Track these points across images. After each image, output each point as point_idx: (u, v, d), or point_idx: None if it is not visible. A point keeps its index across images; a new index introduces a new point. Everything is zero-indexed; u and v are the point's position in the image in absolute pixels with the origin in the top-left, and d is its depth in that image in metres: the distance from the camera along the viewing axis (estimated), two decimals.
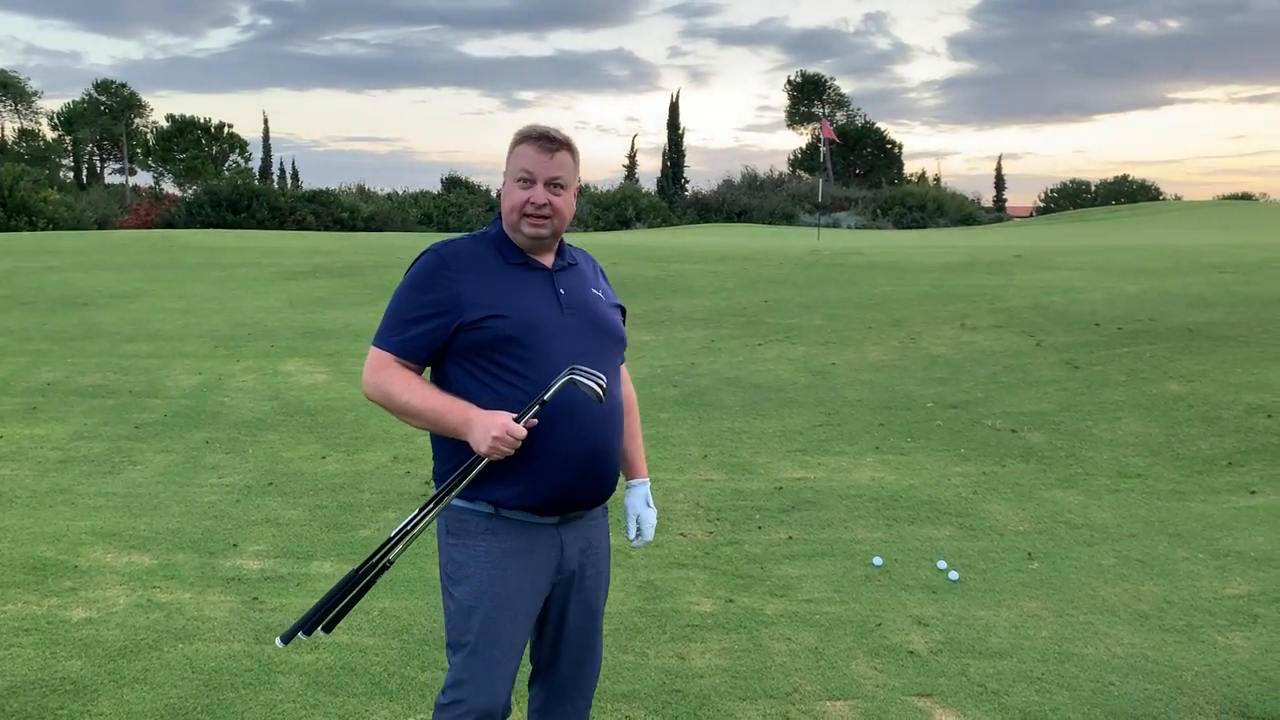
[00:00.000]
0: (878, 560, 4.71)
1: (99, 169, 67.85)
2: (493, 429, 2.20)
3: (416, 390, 2.31)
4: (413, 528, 2.31)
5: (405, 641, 3.82)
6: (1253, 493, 5.60)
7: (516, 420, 2.21)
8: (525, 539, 2.35)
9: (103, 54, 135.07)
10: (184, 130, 58.85)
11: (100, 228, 38.03)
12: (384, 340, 2.37)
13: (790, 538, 5.05)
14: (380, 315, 2.43)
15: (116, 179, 64.82)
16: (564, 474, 2.32)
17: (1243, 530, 5.02)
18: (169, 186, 56.22)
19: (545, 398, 2.24)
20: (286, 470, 6.21)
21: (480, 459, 2.25)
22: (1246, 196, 57.08)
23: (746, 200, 50.69)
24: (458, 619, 2.38)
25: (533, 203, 2.34)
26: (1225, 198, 54.96)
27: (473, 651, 2.35)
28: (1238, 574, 4.49)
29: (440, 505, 2.30)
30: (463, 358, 2.33)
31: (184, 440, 6.91)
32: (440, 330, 2.31)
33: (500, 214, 2.43)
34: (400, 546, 2.32)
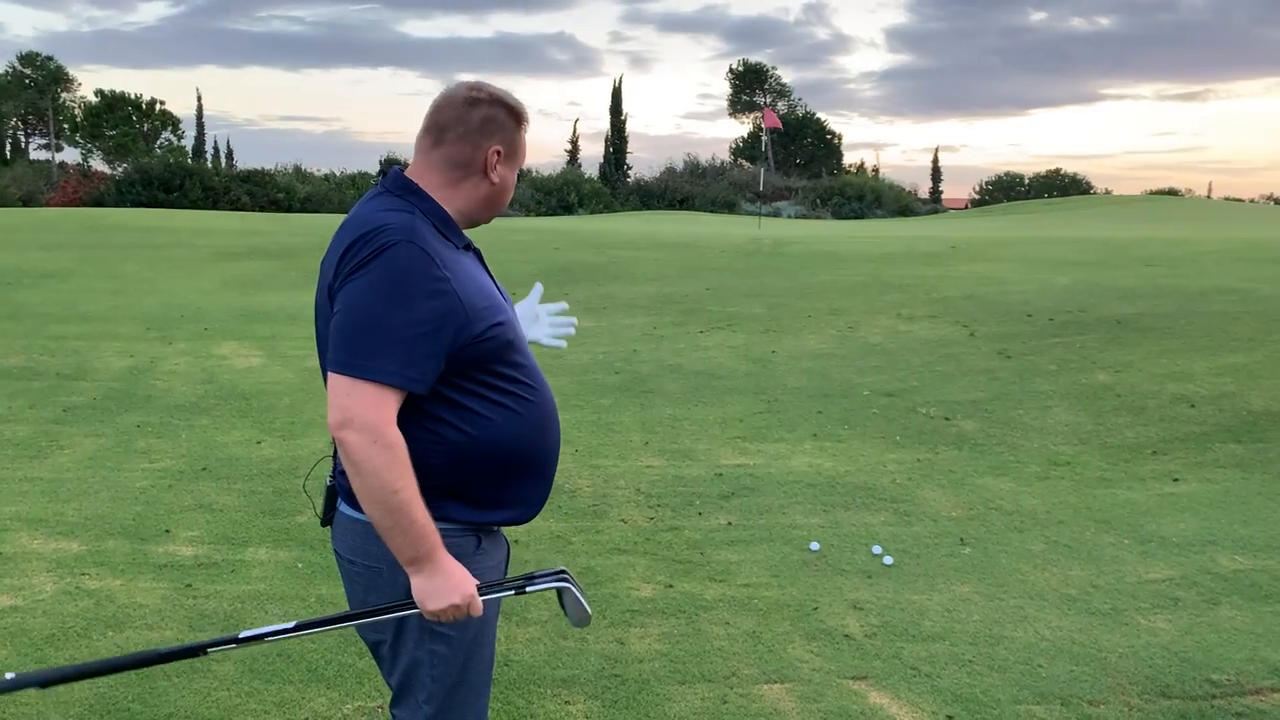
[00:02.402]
0: (814, 545, 4.78)
1: (24, 144, 65.80)
2: (457, 595, 1.83)
3: (415, 485, 1.80)
4: (267, 637, 1.89)
5: (343, 628, 3.78)
6: (1175, 480, 5.77)
7: (480, 594, 1.88)
8: (499, 548, 2.09)
9: (26, 25, 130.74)
10: (114, 106, 57.22)
11: (25, 204, 36.92)
12: (387, 371, 1.78)
13: (729, 523, 5.10)
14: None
15: (43, 155, 62.93)
16: (551, 479, 2.08)
17: (1166, 516, 5.18)
18: (98, 163, 54.68)
19: (528, 589, 1.94)
20: (221, 455, 6.11)
21: (410, 604, 1.86)
22: (1173, 192, 58.67)
23: (689, 188, 50.82)
24: (453, 664, 1.99)
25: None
26: (1153, 193, 56.36)
27: (479, 692, 2.05)
28: (1160, 559, 4.63)
29: (352, 622, 1.90)
30: (458, 375, 1.88)
31: (114, 424, 6.76)
32: (448, 349, 1.84)
33: (425, 184, 1.97)
34: (234, 647, 1.90)
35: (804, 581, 4.39)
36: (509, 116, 1.98)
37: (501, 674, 3.47)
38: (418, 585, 1.83)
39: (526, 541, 4.77)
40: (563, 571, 1.98)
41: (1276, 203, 58.35)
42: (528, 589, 1.94)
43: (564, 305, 2.62)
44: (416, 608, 1.85)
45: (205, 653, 1.89)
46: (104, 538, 4.73)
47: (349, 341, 1.78)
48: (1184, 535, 4.91)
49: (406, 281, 1.78)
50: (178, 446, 6.29)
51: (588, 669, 3.56)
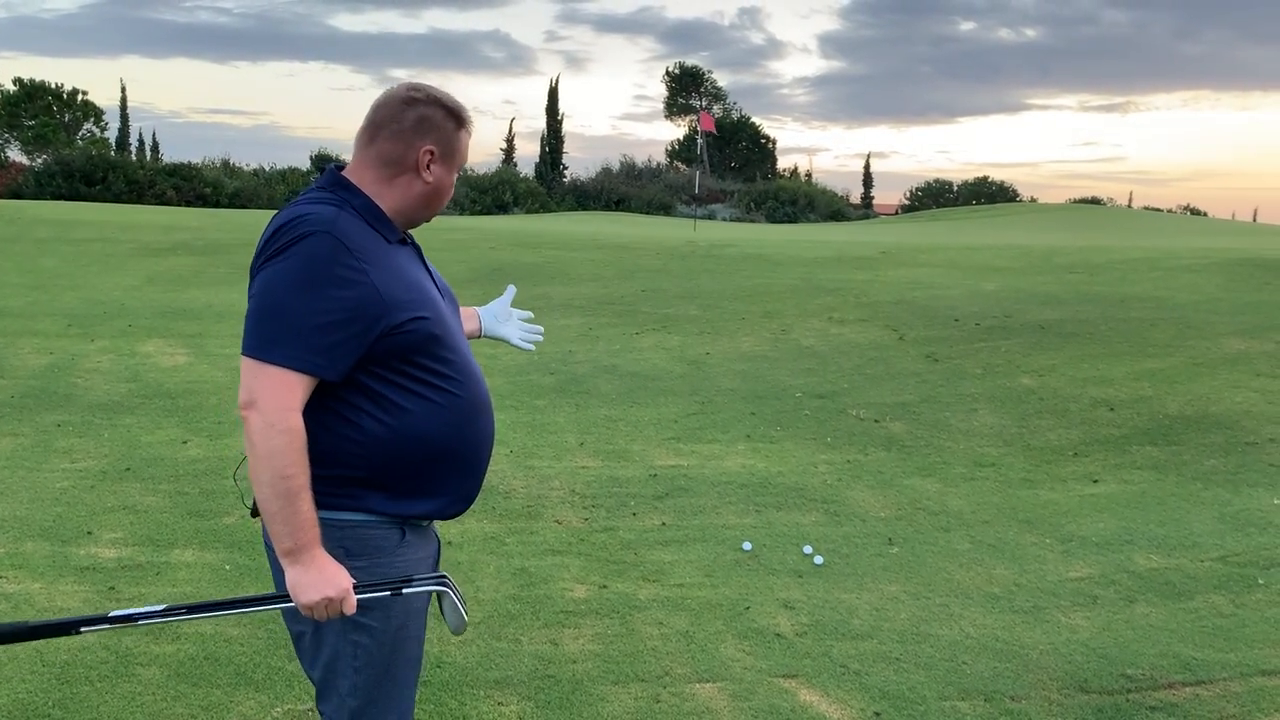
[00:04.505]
0: (747, 545, 4.83)
1: None
2: (331, 589, 1.83)
3: (307, 477, 1.83)
4: (139, 618, 1.89)
5: (272, 631, 3.73)
6: (1095, 481, 5.95)
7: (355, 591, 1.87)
8: (427, 542, 2.10)
9: None
10: (33, 95, 55.40)
11: None
12: (294, 355, 1.80)
13: (663, 524, 5.14)
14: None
15: None
16: (480, 473, 2.09)
17: (1086, 517, 5.34)
18: (15, 154, 52.87)
19: (405, 591, 1.93)
20: (145, 455, 5.98)
21: (284, 595, 1.87)
22: (1095, 201, 60.09)
23: (625, 189, 50.81)
24: (377, 656, 1.98)
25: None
26: (1076, 201, 57.65)
27: (405, 686, 2.05)
28: (1080, 558, 4.77)
29: (224, 611, 1.95)
30: (379, 365, 1.90)
31: (33, 423, 6.57)
32: (362, 339, 1.86)
33: (359, 181, 2.00)
34: (106, 627, 1.89)
35: (736, 581, 4.43)
36: (446, 117, 2.01)
37: (434, 675, 3.46)
38: (292, 577, 1.84)
39: (460, 543, 4.75)
40: (443, 576, 1.98)
41: (1193, 213, 60.25)
42: (405, 590, 1.93)
43: (530, 314, 2.66)
44: (291, 600, 1.86)
45: (78, 631, 1.91)
46: (22, 539, 4.60)
47: (257, 326, 1.83)
48: (1103, 535, 5.06)
49: (318, 270, 1.82)
50: (100, 446, 6.14)
51: (521, 670, 3.56)
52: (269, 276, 1.85)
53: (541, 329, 2.67)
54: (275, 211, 2.04)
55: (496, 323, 2.57)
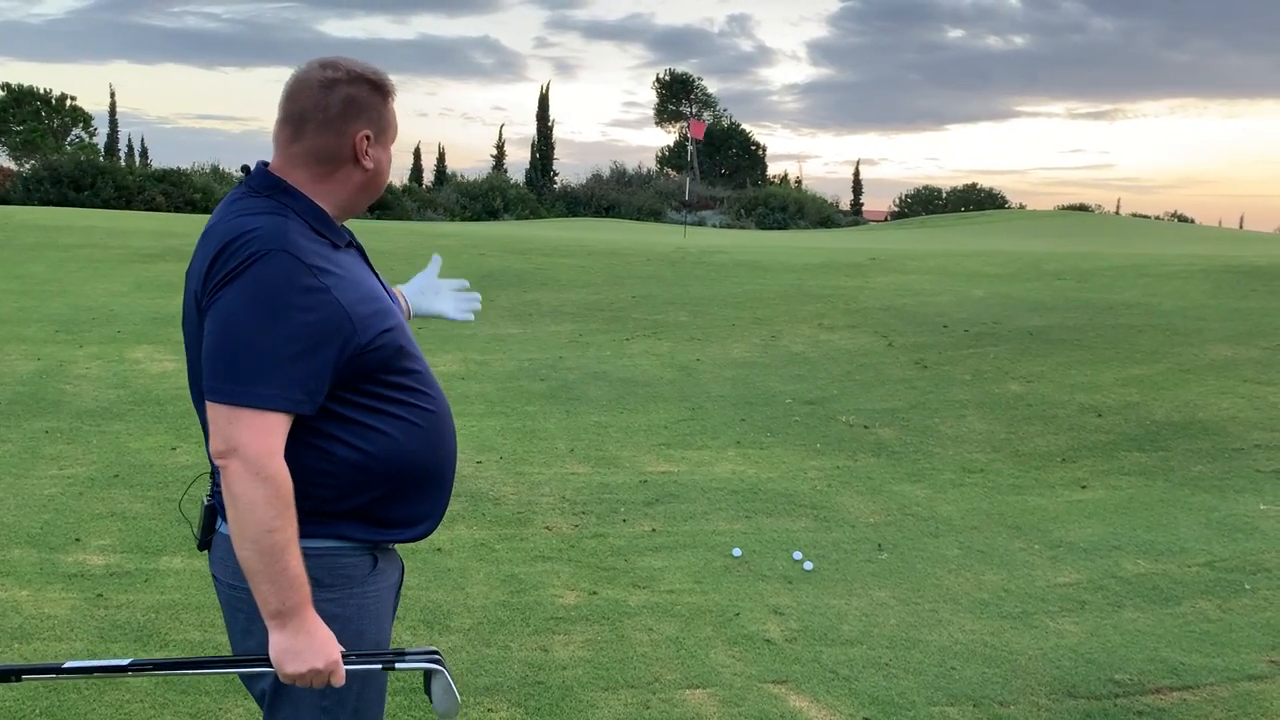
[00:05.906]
0: (737, 551, 4.84)
1: None
2: (320, 660, 1.66)
3: (294, 529, 1.66)
4: (95, 671, 1.77)
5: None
6: (1083, 487, 5.98)
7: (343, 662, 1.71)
8: (394, 568, 1.93)
9: None
10: (21, 100, 55.21)
11: None
12: (272, 395, 1.63)
13: (653, 530, 5.14)
14: None
15: None
16: (450, 488, 1.94)
17: (1074, 522, 5.36)
18: (3, 160, 52.68)
19: (398, 666, 1.78)
20: (134, 461, 5.96)
21: (263, 658, 1.69)
22: (1083, 207, 60.34)
23: (615, 195, 50.87)
24: (347, 698, 1.81)
25: None
26: (1064, 208, 57.90)
27: (376, 708, 1.91)
28: (1068, 563, 4.79)
29: (198, 670, 1.80)
30: (346, 389, 1.74)
31: (20, 429, 6.54)
32: (334, 363, 1.69)
33: (293, 181, 1.80)
34: (54, 677, 1.82)
35: (726, 587, 4.44)
36: (372, 92, 1.80)
37: (425, 683, 3.45)
38: (277, 643, 1.66)
39: (450, 549, 4.74)
40: (434, 652, 1.82)
41: (1180, 219, 60.56)
42: (397, 665, 1.78)
43: (464, 282, 2.44)
44: (270, 665, 1.68)
45: (19, 679, 1.77)
46: (9, 547, 4.58)
47: (225, 366, 1.64)
48: (1091, 540, 5.08)
49: (279, 295, 1.64)
50: (89, 453, 6.11)
51: (511, 677, 3.56)
52: (224, 307, 1.65)
53: (478, 295, 2.42)
54: (210, 215, 1.83)
55: (424, 299, 2.35)
